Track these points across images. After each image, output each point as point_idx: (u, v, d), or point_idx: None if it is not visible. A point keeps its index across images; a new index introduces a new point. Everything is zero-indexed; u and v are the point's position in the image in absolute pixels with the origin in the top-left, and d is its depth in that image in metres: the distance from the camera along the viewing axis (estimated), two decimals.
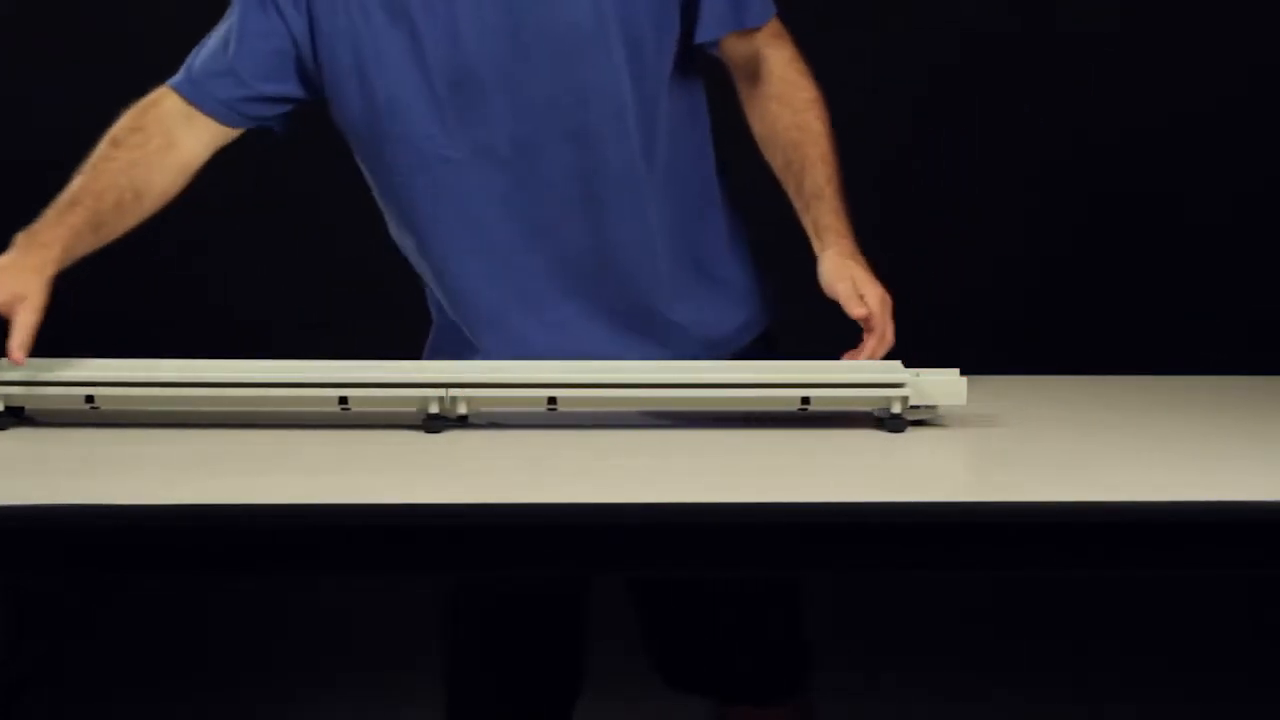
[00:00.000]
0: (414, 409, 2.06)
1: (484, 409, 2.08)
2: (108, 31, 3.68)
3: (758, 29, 2.29)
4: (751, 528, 1.75)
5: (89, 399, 2.05)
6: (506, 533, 1.73)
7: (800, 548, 1.76)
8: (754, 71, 2.31)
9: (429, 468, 1.92)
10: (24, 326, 2.01)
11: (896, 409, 2.07)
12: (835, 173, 2.26)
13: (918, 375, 2.08)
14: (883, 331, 2.17)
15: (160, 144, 2.21)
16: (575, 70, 2.19)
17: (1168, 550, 1.76)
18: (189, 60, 2.27)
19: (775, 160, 2.30)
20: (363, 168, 2.30)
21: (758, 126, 2.32)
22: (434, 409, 2.04)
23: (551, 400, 2.06)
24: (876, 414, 2.10)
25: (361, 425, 2.06)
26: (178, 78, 2.25)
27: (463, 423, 2.05)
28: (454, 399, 2.05)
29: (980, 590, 3.72)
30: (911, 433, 2.07)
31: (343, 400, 2.05)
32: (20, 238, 2.09)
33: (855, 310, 2.17)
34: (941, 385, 2.09)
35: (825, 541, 1.76)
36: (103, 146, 2.19)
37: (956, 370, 2.09)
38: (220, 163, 2.28)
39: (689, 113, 2.30)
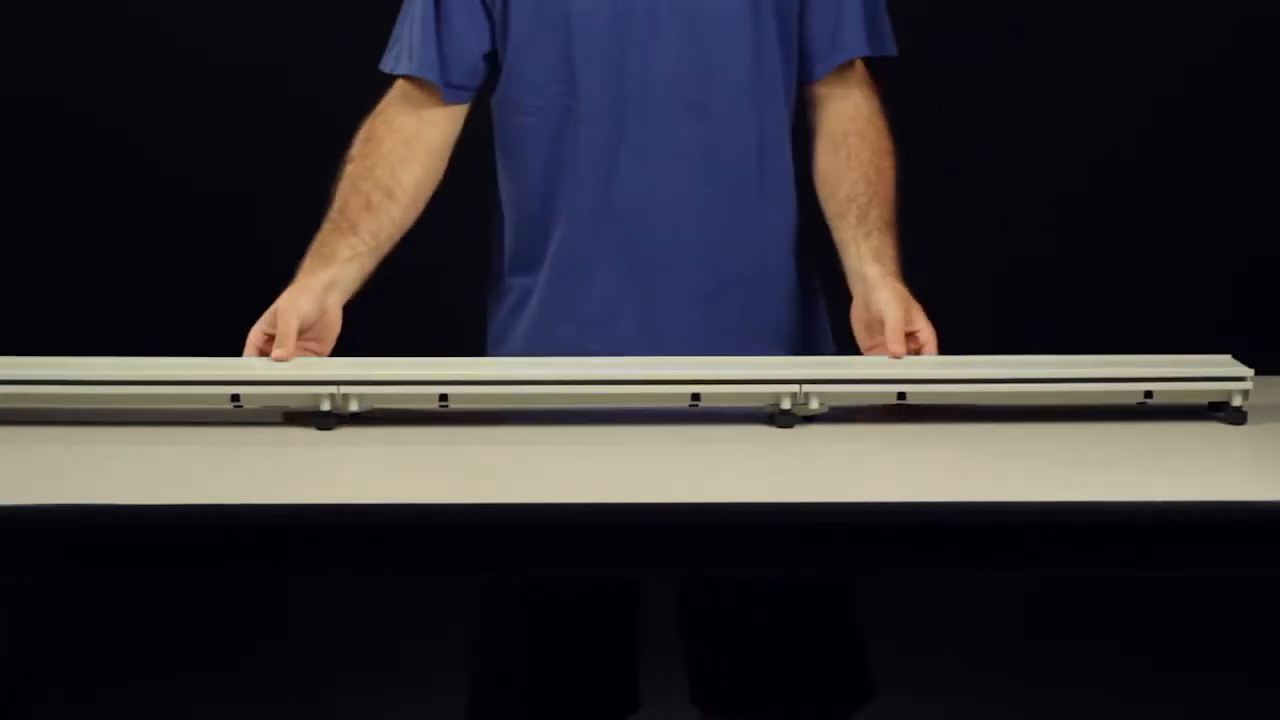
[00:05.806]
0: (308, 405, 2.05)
1: (378, 405, 2.08)
2: None
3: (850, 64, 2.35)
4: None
5: None
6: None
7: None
8: (838, 107, 2.36)
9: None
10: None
11: (786, 405, 2.06)
12: (893, 219, 2.32)
13: None
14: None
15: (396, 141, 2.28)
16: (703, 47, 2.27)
17: (1168, 550, 1.76)
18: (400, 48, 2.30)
19: (838, 189, 2.32)
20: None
21: (828, 158, 2.35)
22: (325, 406, 2.05)
23: (443, 397, 2.07)
24: (768, 410, 2.08)
25: (252, 423, 2.07)
26: (402, 67, 2.29)
27: (355, 419, 2.06)
28: (345, 396, 2.05)
29: (977, 590, 3.69)
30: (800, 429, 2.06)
31: (235, 398, 2.07)
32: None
33: (894, 346, 2.17)
34: None
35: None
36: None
37: None
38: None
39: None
